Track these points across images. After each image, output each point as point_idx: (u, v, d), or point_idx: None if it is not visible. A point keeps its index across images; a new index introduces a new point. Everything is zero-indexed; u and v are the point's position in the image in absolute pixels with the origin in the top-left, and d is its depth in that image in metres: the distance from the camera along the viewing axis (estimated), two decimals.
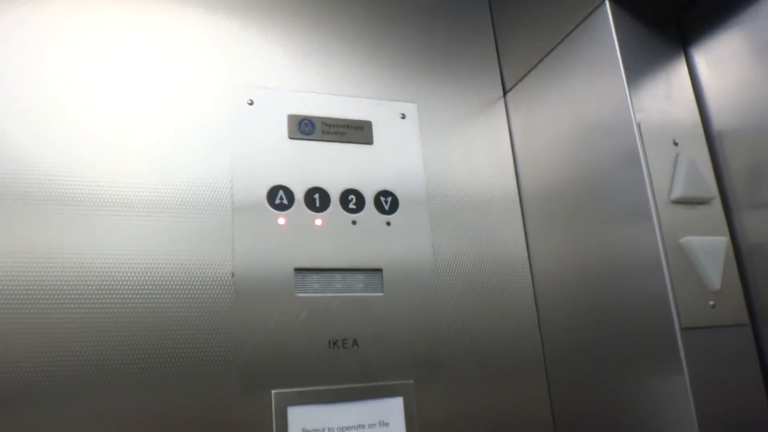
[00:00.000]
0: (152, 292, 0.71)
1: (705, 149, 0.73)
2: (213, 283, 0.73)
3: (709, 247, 0.69)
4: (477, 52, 0.97)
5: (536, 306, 0.87)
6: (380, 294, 0.79)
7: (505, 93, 0.95)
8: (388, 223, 0.82)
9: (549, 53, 0.85)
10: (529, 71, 0.90)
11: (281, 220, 0.78)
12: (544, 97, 0.87)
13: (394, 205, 0.83)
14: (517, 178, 0.92)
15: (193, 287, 0.72)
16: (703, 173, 0.71)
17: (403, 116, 0.87)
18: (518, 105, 0.93)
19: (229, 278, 0.74)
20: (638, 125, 0.71)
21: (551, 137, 0.85)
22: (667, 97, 0.74)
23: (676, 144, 0.72)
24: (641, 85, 0.73)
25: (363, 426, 0.74)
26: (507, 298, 0.86)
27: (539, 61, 0.87)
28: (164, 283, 0.71)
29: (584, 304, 0.79)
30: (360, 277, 0.79)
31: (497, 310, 0.85)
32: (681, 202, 0.70)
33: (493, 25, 1.00)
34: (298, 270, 0.77)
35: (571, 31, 0.80)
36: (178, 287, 0.72)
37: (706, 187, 0.71)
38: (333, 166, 0.82)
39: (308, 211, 0.79)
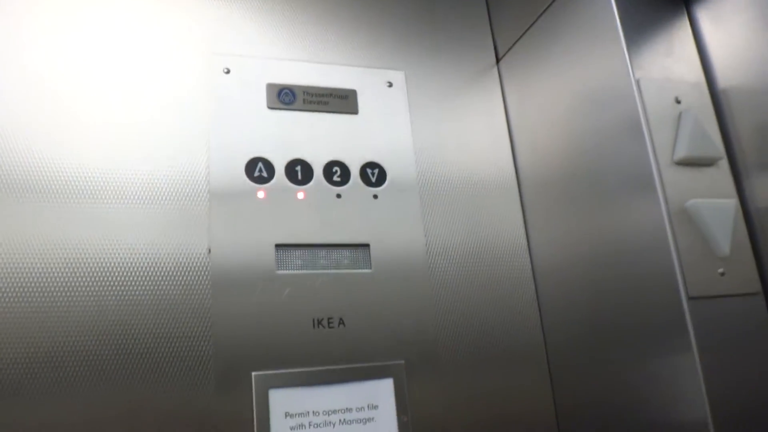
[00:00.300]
0: (122, 273, 0.67)
1: (710, 107, 0.68)
2: (188, 261, 0.69)
3: (716, 211, 0.64)
4: (467, 17, 0.92)
5: (535, 285, 0.83)
6: (368, 270, 0.75)
7: (498, 60, 0.91)
8: (375, 196, 0.78)
9: (542, 14, 0.80)
10: (522, 35, 0.85)
11: (261, 194, 0.73)
12: (538, 63, 0.82)
13: (382, 178, 0.79)
14: (513, 153, 0.87)
15: (167, 266, 0.68)
16: (709, 132, 0.66)
17: (390, 84, 0.83)
18: (512, 73, 0.89)
19: (206, 255, 0.70)
20: (637, 82, 0.66)
21: (547, 106, 0.81)
22: (668, 54, 0.69)
23: (678, 102, 0.67)
24: (640, 41, 0.68)
25: (350, 409, 0.69)
26: (503, 276, 0.81)
27: (532, 23, 0.83)
28: (136, 263, 0.67)
29: (586, 282, 0.75)
30: (346, 252, 0.75)
31: (493, 288, 0.80)
32: (685, 163, 0.65)
33: None
34: (279, 246, 0.72)
35: None
36: (150, 267, 0.67)
37: (712, 146, 0.66)
38: (315, 137, 0.77)
39: (289, 184, 0.75)
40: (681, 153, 0.64)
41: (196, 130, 0.74)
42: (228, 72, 0.76)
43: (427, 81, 0.86)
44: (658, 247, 0.63)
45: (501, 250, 0.82)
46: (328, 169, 0.77)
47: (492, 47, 0.92)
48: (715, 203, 0.64)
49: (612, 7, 0.68)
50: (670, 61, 0.69)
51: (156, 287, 0.67)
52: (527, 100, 0.85)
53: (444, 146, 0.83)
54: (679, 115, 0.66)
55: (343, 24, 0.85)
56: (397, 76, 0.84)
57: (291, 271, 0.72)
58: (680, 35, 0.71)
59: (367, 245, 0.76)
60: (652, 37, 0.69)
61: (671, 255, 0.62)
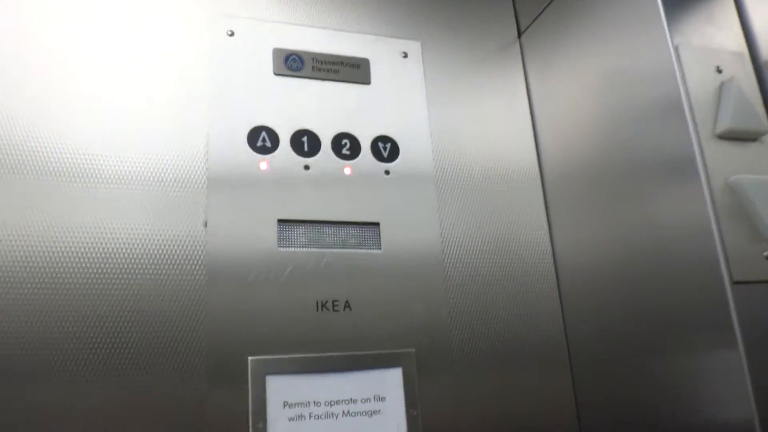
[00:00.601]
0: (114, 255, 0.61)
1: (753, 79, 0.63)
2: (184, 236, 0.63)
3: (762, 188, 0.58)
4: None
5: (557, 279, 0.77)
6: (378, 251, 0.69)
7: (520, 34, 0.85)
8: (387, 172, 0.72)
9: None
10: (547, 5, 0.79)
11: (263, 165, 0.68)
12: (564, 37, 0.77)
13: (394, 153, 0.73)
14: (536, 138, 0.81)
15: (161, 242, 0.62)
16: (753, 104, 0.61)
17: (405, 55, 0.78)
18: (535, 48, 0.83)
19: (201, 228, 0.64)
20: (676, 49, 0.60)
21: (573, 85, 0.75)
22: (708, 21, 0.64)
23: (720, 71, 0.62)
24: (678, 6, 0.63)
25: (355, 401, 0.63)
26: (523, 270, 0.75)
27: None
28: (129, 242, 0.62)
29: (615, 275, 0.69)
30: (353, 231, 0.69)
31: (511, 282, 0.74)
32: (728, 137, 0.59)
33: None
34: (281, 221, 0.67)
35: None
36: (144, 244, 0.62)
37: (756, 119, 0.60)
38: (324, 106, 0.72)
39: (295, 155, 0.69)
40: (723, 125, 0.59)
41: (196, 96, 0.68)
42: (232, 35, 0.71)
43: (444, 53, 0.81)
44: (699, 229, 0.58)
45: (521, 242, 0.76)
46: (337, 141, 0.71)
47: (513, 20, 0.86)
48: (760, 180, 0.58)
49: None
50: (711, 29, 0.63)
51: (148, 267, 0.61)
52: (551, 79, 0.80)
53: (460, 127, 0.78)
54: (721, 86, 0.61)
55: None
56: (413, 47, 0.78)
57: (294, 249, 0.66)
58: (721, 3, 0.66)
59: (377, 224, 0.70)
60: (691, 2, 0.64)
61: (713, 237, 0.56)
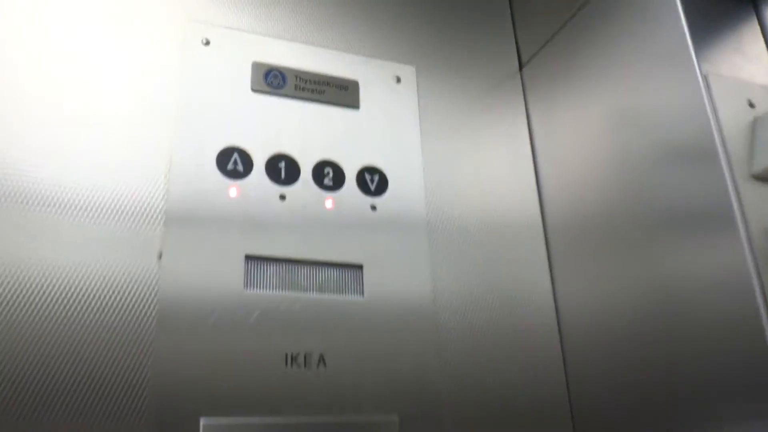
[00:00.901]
0: (53, 282, 0.51)
1: None
2: (133, 268, 0.53)
3: None
4: (488, 14, 0.80)
5: (560, 338, 0.68)
6: (360, 297, 0.59)
7: (521, 67, 0.79)
8: (374, 207, 0.64)
9: (580, 9, 0.69)
10: (551, 38, 0.74)
11: (233, 191, 0.59)
12: (569, 71, 0.70)
13: (382, 186, 0.65)
14: (537, 180, 0.74)
15: (108, 273, 0.52)
16: None
17: (398, 80, 0.70)
18: (537, 83, 0.76)
19: (155, 261, 0.54)
20: (705, 78, 0.54)
21: (581, 123, 0.68)
22: (737, 50, 0.58)
23: (752, 105, 0.55)
24: (705, 32, 0.57)
25: None
26: (523, 326, 0.66)
27: (567, 21, 0.71)
28: (71, 273, 0.52)
29: (628, 335, 0.60)
30: (333, 273, 0.60)
31: (510, 339, 0.65)
32: (765, 178, 0.53)
33: None
34: (250, 258, 0.57)
35: None
36: (87, 276, 0.52)
37: None
38: (306, 130, 0.63)
39: (270, 182, 0.60)
40: (761, 165, 0.52)
41: (161, 109, 0.59)
42: (207, 44, 0.63)
43: (439, 81, 0.73)
44: (736, 282, 0.50)
45: (521, 294, 0.67)
46: (319, 169, 0.63)
47: (515, 50, 0.80)
48: None
49: None
50: (740, 59, 0.57)
51: (90, 306, 0.51)
52: (555, 116, 0.73)
53: (456, 163, 0.70)
54: (754, 121, 0.54)
55: (347, 5, 0.73)
56: (407, 72, 0.71)
57: (262, 291, 0.56)
58: (749, 33, 0.60)
59: (360, 266, 0.61)
60: (719, 30, 0.58)
61: (753, 290, 0.48)
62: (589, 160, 0.67)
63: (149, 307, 0.53)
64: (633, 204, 0.62)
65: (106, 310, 0.52)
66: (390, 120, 0.68)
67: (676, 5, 0.57)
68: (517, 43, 0.80)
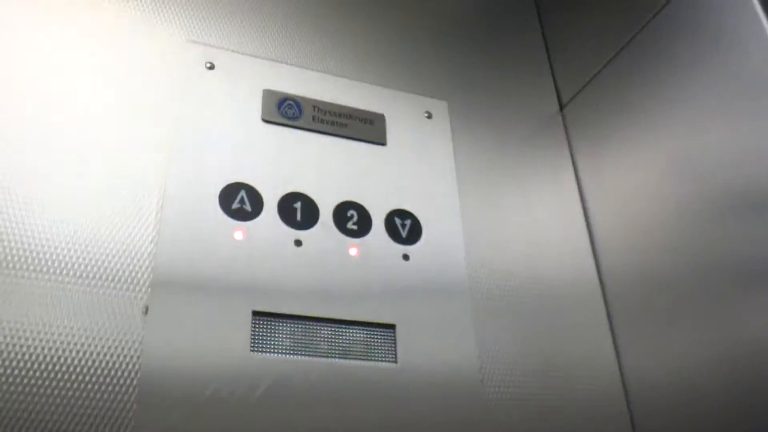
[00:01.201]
0: (20, 346, 0.40)
1: None
2: (113, 328, 0.43)
3: None
4: (524, 52, 0.73)
5: (627, 401, 0.57)
6: (392, 364, 0.48)
7: (561, 107, 0.71)
8: (406, 257, 0.54)
9: (628, 44, 0.62)
10: (593, 78, 0.66)
11: (238, 235, 0.49)
12: (618, 109, 0.63)
13: (415, 232, 0.55)
14: (590, 230, 0.64)
15: (86, 335, 0.42)
16: None
17: (429, 115, 0.62)
18: (581, 122, 0.69)
19: (139, 318, 0.43)
20: None
21: (634, 169, 0.60)
22: None
23: None
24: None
25: None
26: (585, 406, 0.55)
27: (613, 57, 0.64)
28: (43, 336, 0.41)
29: (708, 402, 0.52)
30: (360, 334, 0.49)
31: (569, 421, 0.53)
32: None
33: (541, 25, 0.78)
34: (258, 314, 0.47)
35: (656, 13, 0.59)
36: (61, 339, 0.41)
37: None
38: (325, 166, 0.55)
39: (283, 226, 0.51)
40: None
41: (157, 138, 0.50)
42: (212, 68, 0.55)
43: (474, 118, 0.65)
44: None
45: (582, 364, 0.56)
46: (341, 211, 0.53)
47: (553, 90, 0.72)
48: None
49: (754, 5, 0.50)
50: None
51: (62, 375, 0.41)
52: (604, 159, 0.64)
53: (497, 209, 0.60)
54: None
55: (373, 36, 0.66)
56: (439, 107, 0.63)
57: (273, 355, 0.45)
58: None
59: (392, 326, 0.50)
60: None
61: None
62: (649, 210, 0.59)
63: (130, 376, 0.42)
64: (703, 259, 0.52)
65: (85, 380, 0.40)
66: (421, 158, 0.59)
67: (764, 28, 0.49)
68: (555, 81, 0.73)
